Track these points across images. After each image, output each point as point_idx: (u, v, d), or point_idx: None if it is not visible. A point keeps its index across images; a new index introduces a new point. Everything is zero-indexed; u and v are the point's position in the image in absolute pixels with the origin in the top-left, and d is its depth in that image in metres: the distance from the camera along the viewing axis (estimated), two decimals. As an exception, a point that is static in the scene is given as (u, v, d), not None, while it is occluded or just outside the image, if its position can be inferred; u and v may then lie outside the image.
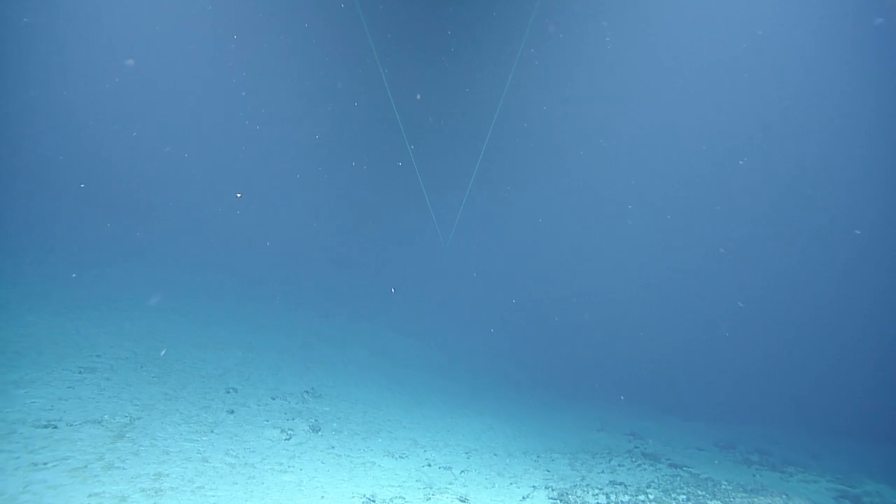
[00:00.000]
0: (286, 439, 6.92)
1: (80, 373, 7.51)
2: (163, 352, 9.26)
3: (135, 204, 22.92)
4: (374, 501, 5.55)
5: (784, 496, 7.19)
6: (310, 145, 27.50)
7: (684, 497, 7.01)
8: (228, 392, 8.26)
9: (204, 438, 6.32)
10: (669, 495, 7.03)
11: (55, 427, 5.76)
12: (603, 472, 8.20)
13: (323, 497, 5.47)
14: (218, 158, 28.00)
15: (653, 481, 7.72)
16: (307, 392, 9.25)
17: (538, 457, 8.69)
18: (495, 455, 8.31)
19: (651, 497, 6.88)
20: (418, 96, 22.67)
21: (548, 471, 7.91)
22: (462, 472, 7.18)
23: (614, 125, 26.98)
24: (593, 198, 29.57)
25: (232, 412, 7.42)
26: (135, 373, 8.09)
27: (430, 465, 7.15)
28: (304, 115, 27.12)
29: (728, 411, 16.64)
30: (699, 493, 7.25)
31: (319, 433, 7.48)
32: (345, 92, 25.55)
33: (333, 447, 7.06)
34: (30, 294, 10.97)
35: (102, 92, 25.26)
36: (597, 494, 6.84)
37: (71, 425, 5.89)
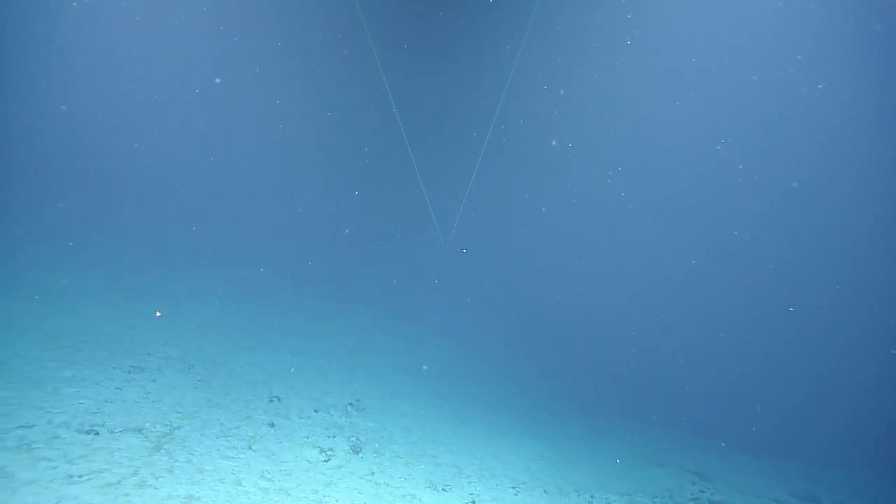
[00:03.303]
0: (325, 461, 6.59)
1: (129, 372, 7.53)
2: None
3: (191, 202, 23.93)
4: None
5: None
6: (340, 145, 27.92)
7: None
8: (272, 401, 8.07)
9: (241, 456, 6.08)
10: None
11: (97, 433, 5.68)
12: (666, 523, 7.36)
13: (357, 537, 5.06)
14: (264, 160, 28.92)
15: (725, 542, 6.82)
16: (351, 404, 8.94)
17: (592, 497, 7.94)
18: (545, 492, 7.65)
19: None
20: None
21: (604, 517, 7.18)
22: (509, 512, 6.59)
23: (614, 125, 26.39)
24: (603, 198, 28.60)
25: (272, 425, 7.19)
26: (182, 375, 8.05)
27: (474, 503, 6.60)
28: (342, 117, 27.46)
29: (807, 449, 14.96)
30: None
31: (360, 455, 7.11)
32: (347, 93, 25.77)
33: (373, 473, 6.66)
34: (93, 285, 11.35)
35: (151, 93, 26.53)
36: (661, 555, 6.06)
37: (112, 432, 5.80)
